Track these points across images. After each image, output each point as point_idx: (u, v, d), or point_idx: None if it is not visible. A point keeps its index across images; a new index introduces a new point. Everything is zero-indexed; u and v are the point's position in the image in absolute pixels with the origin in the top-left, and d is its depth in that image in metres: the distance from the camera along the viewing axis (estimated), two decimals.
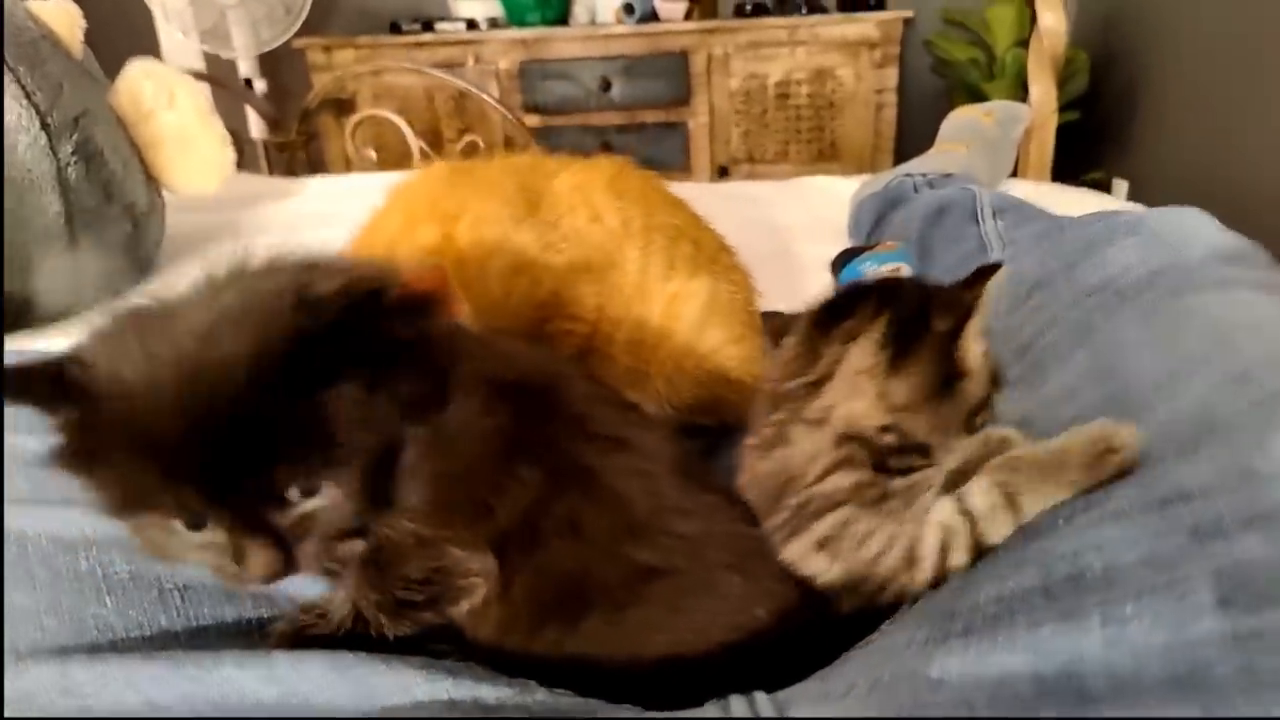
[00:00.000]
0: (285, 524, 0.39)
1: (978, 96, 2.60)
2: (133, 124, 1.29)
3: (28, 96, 1.07)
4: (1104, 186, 2.51)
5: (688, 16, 2.90)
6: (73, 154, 1.13)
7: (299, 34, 2.86)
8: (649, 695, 0.46)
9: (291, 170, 2.39)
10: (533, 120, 2.89)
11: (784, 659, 0.48)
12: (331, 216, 1.59)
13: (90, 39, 1.26)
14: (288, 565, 0.40)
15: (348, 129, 2.21)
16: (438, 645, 0.48)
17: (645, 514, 0.50)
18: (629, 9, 2.87)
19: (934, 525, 0.50)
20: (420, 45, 2.93)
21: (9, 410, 0.58)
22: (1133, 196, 2.44)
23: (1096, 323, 0.64)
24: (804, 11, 2.92)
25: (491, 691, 0.43)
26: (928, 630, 0.44)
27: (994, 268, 0.53)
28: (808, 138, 2.96)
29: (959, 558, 0.49)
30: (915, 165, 1.40)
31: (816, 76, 2.89)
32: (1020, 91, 1.76)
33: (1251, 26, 2.14)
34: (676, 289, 0.75)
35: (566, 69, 2.91)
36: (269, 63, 2.93)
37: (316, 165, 2.58)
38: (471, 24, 2.99)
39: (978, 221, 0.97)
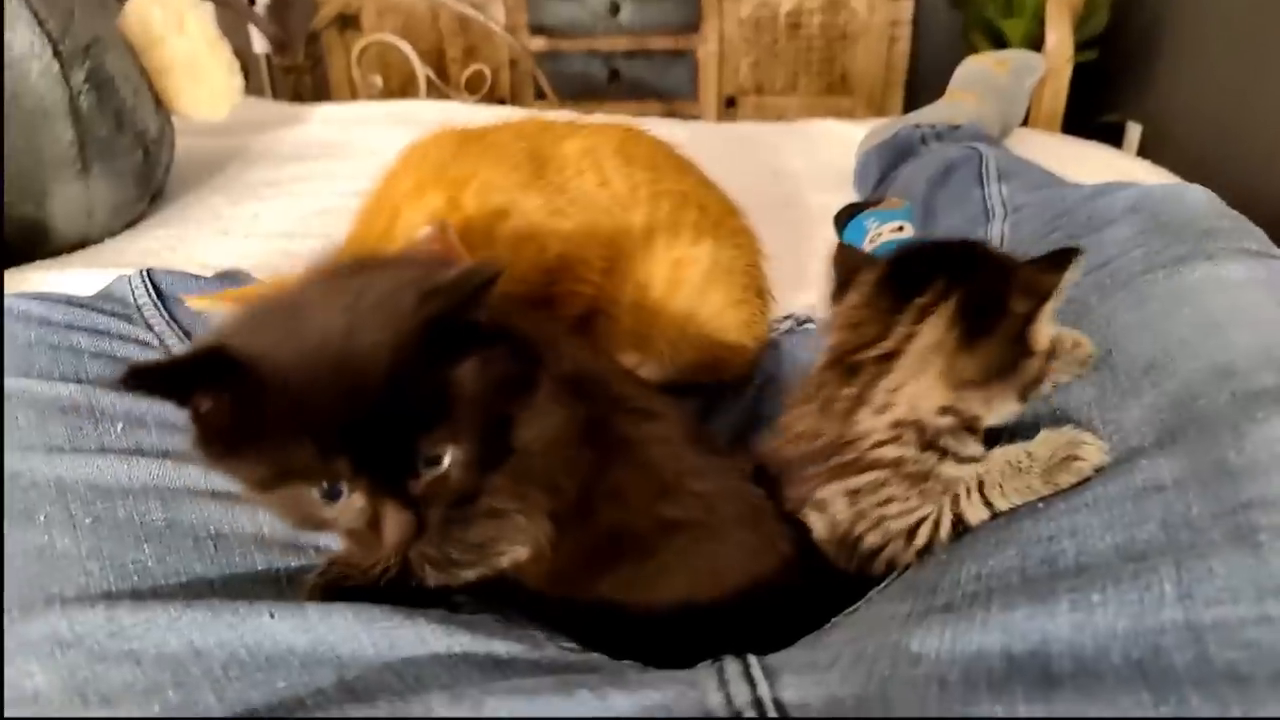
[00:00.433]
0: (417, 491, 0.44)
1: (995, 33, 2.55)
2: (142, 50, 1.28)
3: (40, 24, 1.06)
4: (1118, 130, 2.48)
5: None
6: (85, 82, 1.13)
7: None
8: (665, 641, 0.51)
9: (298, 93, 2.37)
10: (539, 43, 2.83)
11: (781, 611, 0.54)
12: (339, 146, 1.60)
13: None
14: (419, 529, 0.45)
15: (353, 54, 2.18)
16: (457, 596, 0.52)
17: (671, 476, 0.56)
18: None
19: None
20: None
21: (35, 361, 0.61)
22: (1146, 142, 2.41)
23: (1092, 304, 0.64)
24: None
25: (503, 646, 0.47)
26: (911, 604, 0.47)
27: (1074, 252, 0.53)
28: (818, 69, 2.90)
29: (943, 534, 0.53)
30: (924, 115, 1.40)
31: (829, 6, 2.82)
32: (1039, 29, 1.73)
33: None
34: (680, 254, 0.77)
35: None
36: None
37: (320, 87, 2.54)
38: None
39: (982, 184, 0.97)
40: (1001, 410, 0.55)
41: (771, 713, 0.40)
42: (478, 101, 2.13)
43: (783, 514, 0.59)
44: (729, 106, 2.89)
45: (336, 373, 0.42)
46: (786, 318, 0.94)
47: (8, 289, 0.74)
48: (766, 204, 1.04)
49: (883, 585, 0.54)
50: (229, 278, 0.81)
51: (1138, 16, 2.66)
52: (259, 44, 2.69)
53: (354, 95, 2.34)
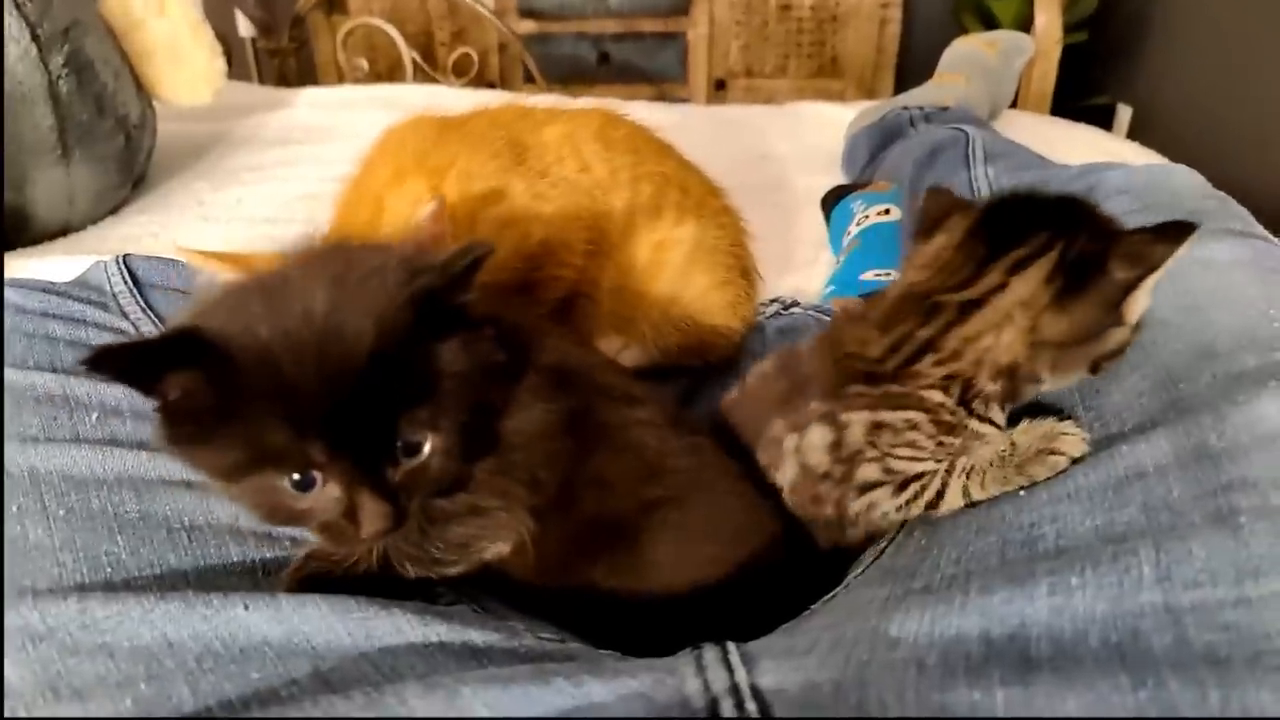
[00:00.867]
0: (396, 479, 0.43)
1: (985, 14, 2.54)
2: (123, 33, 1.27)
3: (18, 7, 1.05)
4: (1108, 112, 2.48)
5: None
6: (64, 66, 1.11)
7: None
8: (650, 626, 0.51)
9: (283, 76, 2.35)
10: (528, 26, 2.81)
11: (766, 588, 0.55)
12: (324, 130, 1.58)
13: None
14: (397, 520, 0.43)
15: (339, 37, 2.16)
16: (438, 587, 0.52)
17: (654, 456, 0.56)
18: None
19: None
20: None
21: (9, 349, 0.60)
22: (1136, 125, 2.41)
23: None
24: None
25: (480, 635, 0.46)
26: (890, 588, 0.47)
27: (1190, 227, 0.50)
28: (808, 52, 2.89)
29: (924, 499, 0.53)
30: (913, 97, 1.39)
31: None
32: (1029, 10, 1.73)
33: None
34: (662, 236, 0.77)
35: None
36: None
37: (306, 71, 2.52)
38: None
39: (969, 166, 0.97)
40: (1066, 378, 0.53)
41: (748, 699, 0.40)
42: (465, 85, 2.11)
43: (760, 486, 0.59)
44: (719, 89, 2.88)
45: (318, 349, 0.40)
46: (773, 301, 0.93)
47: None
48: (754, 187, 1.04)
49: (860, 570, 0.54)
50: None
51: None
52: (244, 27, 2.67)
53: (340, 79, 2.32)
